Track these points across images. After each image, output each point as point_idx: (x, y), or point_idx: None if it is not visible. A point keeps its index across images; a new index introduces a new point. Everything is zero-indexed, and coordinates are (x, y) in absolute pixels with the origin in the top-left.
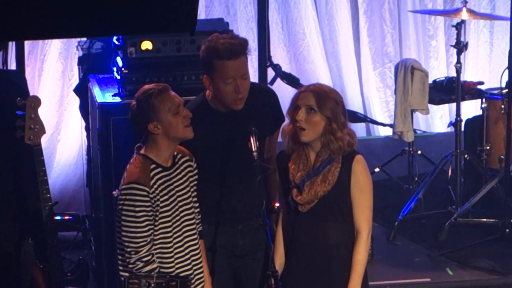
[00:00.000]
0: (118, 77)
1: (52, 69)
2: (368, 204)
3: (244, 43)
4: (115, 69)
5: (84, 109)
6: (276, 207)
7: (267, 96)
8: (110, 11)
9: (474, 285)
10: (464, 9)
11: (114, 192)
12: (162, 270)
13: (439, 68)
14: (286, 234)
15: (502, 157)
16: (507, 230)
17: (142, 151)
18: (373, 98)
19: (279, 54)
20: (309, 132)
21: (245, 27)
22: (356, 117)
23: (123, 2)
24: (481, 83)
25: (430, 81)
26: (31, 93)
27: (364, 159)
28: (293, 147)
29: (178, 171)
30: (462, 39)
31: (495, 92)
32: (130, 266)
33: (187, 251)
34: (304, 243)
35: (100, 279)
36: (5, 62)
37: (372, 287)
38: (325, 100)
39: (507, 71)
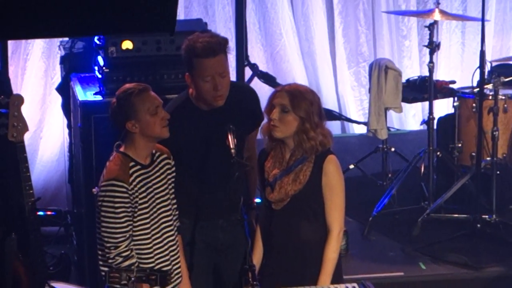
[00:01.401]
0: (100, 76)
1: (34, 68)
2: (339, 204)
3: (222, 41)
4: (96, 68)
5: (66, 107)
6: (254, 204)
7: (249, 95)
8: (91, 11)
9: (446, 279)
10: (437, 10)
11: (94, 190)
12: (141, 264)
13: (412, 67)
14: (264, 230)
15: (473, 154)
16: (478, 225)
17: (121, 149)
18: (348, 97)
19: (256, 54)
20: (281, 130)
21: (223, 27)
22: (331, 115)
23: (104, 3)
24: (453, 82)
25: (404, 80)
26: (14, 92)
27: (336, 159)
28: (271, 145)
29: (157, 169)
30: (434, 39)
31: (467, 91)
32: (110, 261)
33: (166, 246)
34: (279, 239)
35: (82, 273)
36: None
37: (347, 280)
38: (299, 101)
39: (478, 70)
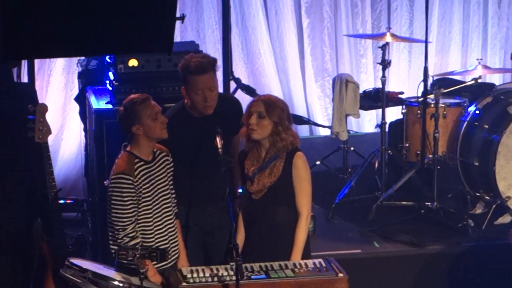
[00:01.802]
0: (110, 88)
1: (56, 82)
2: (307, 192)
3: (212, 61)
4: (107, 82)
5: (82, 114)
6: (237, 193)
7: (233, 105)
8: (103, 36)
9: (395, 255)
10: (388, 33)
11: (105, 182)
12: (144, 244)
13: (368, 81)
14: (245, 216)
15: (418, 152)
16: (422, 211)
17: (128, 148)
18: (315, 105)
19: (239, 70)
20: (259, 132)
21: (212, 48)
22: (301, 120)
23: (114, 29)
24: (402, 93)
25: (361, 91)
26: (40, 101)
27: (304, 156)
28: (249, 146)
29: (158, 164)
30: (386, 57)
31: (413, 100)
32: (119, 241)
33: (165, 229)
34: (258, 223)
35: (96, 251)
36: (19, 76)
37: (314, 256)
38: (272, 108)
39: (422, 83)
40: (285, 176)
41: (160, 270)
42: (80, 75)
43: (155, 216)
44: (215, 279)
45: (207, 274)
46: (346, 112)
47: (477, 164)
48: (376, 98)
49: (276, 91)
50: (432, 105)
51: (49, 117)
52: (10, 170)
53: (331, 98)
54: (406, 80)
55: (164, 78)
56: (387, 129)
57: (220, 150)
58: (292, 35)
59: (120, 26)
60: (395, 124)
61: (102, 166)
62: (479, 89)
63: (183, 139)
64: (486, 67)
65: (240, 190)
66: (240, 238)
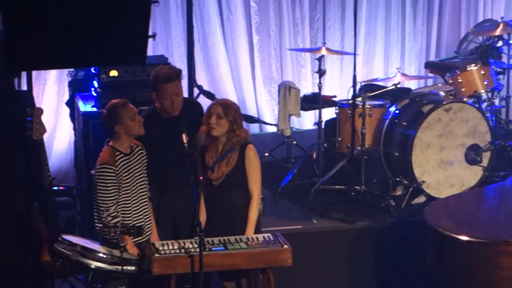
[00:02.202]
0: (95, 94)
1: (50, 90)
2: (257, 178)
3: (178, 71)
4: (93, 89)
5: (72, 116)
6: (200, 180)
7: (196, 107)
8: (89, 51)
9: (331, 230)
10: (323, 47)
11: (92, 171)
12: (124, 222)
13: (307, 86)
14: (206, 199)
15: (349, 145)
16: (352, 193)
17: (110, 143)
18: (263, 107)
19: (201, 78)
20: (217, 130)
21: (178, 60)
22: (253, 120)
23: (98, 45)
24: (335, 96)
25: (301, 95)
26: (37, 106)
27: (254, 148)
28: (208, 141)
29: (134, 156)
30: (322, 67)
31: (344, 102)
32: (103, 219)
33: (140, 209)
34: (218, 205)
35: (83, 229)
36: (19, 85)
37: (264, 231)
38: (228, 110)
39: (351, 88)
40: (239, 165)
41: (137, 244)
42: (70, 84)
43: (133, 199)
44: (182, 250)
45: (176, 247)
46: (289, 113)
47: (397, 154)
48: (314, 101)
49: (232, 96)
50: (360, 106)
51: (45, 118)
52: (13, 162)
53: (277, 101)
54: (338, 86)
55: (139, 86)
56: (323, 126)
57: (185, 144)
58: (244, 50)
59: (103, 43)
60: (329, 122)
61: (88, 158)
62: (398, 93)
63: (155, 136)
64: (404, 74)
65: (202, 178)
66: (202, 217)
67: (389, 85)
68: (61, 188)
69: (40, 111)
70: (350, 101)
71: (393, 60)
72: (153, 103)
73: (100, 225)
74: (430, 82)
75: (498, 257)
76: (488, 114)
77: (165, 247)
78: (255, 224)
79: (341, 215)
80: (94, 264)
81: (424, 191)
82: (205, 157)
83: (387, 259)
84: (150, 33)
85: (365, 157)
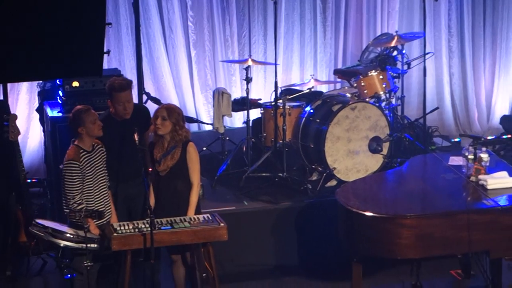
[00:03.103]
0: (60, 102)
1: (23, 98)
2: (196, 169)
3: (129, 82)
4: (58, 97)
5: (41, 120)
6: (149, 171)
7: (144, 111)
8: (53, 66)
9: (259, 210)
10: (250, 59)
11: (60, 166)
12: (87, 207)
13: (237, 92)
14: (155, 187)
15: (272, 139)
16: (276, 179)
17: (75, 143)
18: (201, 110)
19: (149, 87)
20: (163, 130)
21: (129, 72)
22: (192, 120)
23: (61, 60)
24: (260, 99)
25: (232, 99)
26: (12, 112)
27: (194, 145)
28: (156, 139)
29: (95, 153)
30: (249, 75)
31: (267, 104)
32: (70, 206)
33: (101, 197)
34: (165, 191)
35: (53, 214)
36: None
37: (203, 213)
38: (172, 113)
39: (273, 92)
40: (181, 159)
41: (99, 225)
42: (39, 93)
43: (95, 188)
44: (136, 230)
45: (131, 227)
46: (223, 114)
47: (312, 146)
48: (243, 104)
49: (174, 101)
50: (281, 107)
51: (19, 123)
52: None
53: (212, 104)
54: (262, 91)
55: (97, 94)
56: (251, 124)
57: (137, 142)
58: (184, 62)
59: (66, 59)
60: (256, 120)
61: (56, 155)
62: (312, 95)
63: (111, 135)
64: (317, 80)
65: (151, 169)
66: (152, 202)
67: (305, 89)
68: (33, 180)
69: (15, 116)
70: (273, 103)
71: (307, 68)
72: (108, 108)
73: (67, 210)
74: (338, 86)
75: (397, 229)
76: (387, 111)
77: (122, 228)
78: (195, 206)
79: (267, 198)
80: (63, 243)
81: (335, 176)
82: (153, 152)
83: (306, 233)
84: (105, 50)
85: (286, 149)
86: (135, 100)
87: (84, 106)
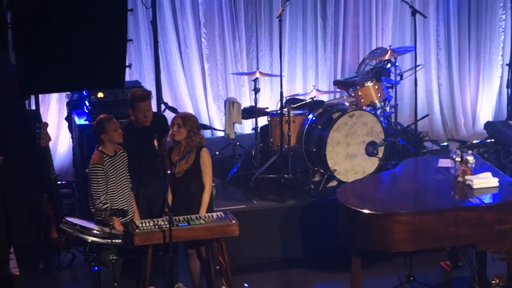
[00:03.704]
0: (87, 111)
1: (53, 108)
2: (209, 172)
3: (149, 93)
4: (85, 107)
5: (70, 128)
6: (168, 173)
7: (162, 119)
8: (81, 79)
9: (267, 208)
10: (258, 71)
11: (86, 170)
12: (112, 207)
13: (246, 101)
14: (172, 188)
15: (278, 144)
16: (282, 180)
17: (99, 148)
18: (214, 117)
19: (166, 97)
20: (179, 136)
21: (149, 84)
22: (206, 127)
23: (90, 74)
24: (267, 108)
25: (242, 107)
26: (43, 121)
27: (207, 150)
28: (173, 144)
29: (118, 157)
30: (257, 86)
31: (274, 112)
32: (96, 205)
33: (125, 197)
34: (180, 192)
35: (81, 213)
36: (29, 105)
37: (216, 211)
38: (187, 121)
39: (279, 102)
40: (196, 163)
41: (123, 223)
42: (68, 104)
43: (118, 189)
44: (156, 227)
45: (151, 224)
46: (233, 121)
47: (315, 150)
48: (251, 112)
49: (189, 110)
50: (286, 115)
51: (49, 130)
52: (28, 164)
53: (223, 112)
54: (269, 100)
55: (120, 104)
56: (259, 131)
57: (156, 147)
58: (198, 75)
59: (91, 71)
60: (263, 127)
61: (83, 160)
62: (314, 104)
63: (132, 141)
64: (318, 90)
65: (169, 172)
66: (170, 201)
67: (307, 98)
68: (63, 182)
69: (46, 125)
70: (279, 111)
71: (310, 80)
72: (129, 116)
73: (94, 209)
74: (337, 95)
75: (392, 225)
76: (382, 118)
77: (143, 225)
78: (207, 205)
79: (274, 197)
80: (91, 238)
81: (336, 177)
82: (171, 156)
83: (309, 229)
84: (127, 64)
85: (291, 153)
86: (154, 109)
87: (107, 115)
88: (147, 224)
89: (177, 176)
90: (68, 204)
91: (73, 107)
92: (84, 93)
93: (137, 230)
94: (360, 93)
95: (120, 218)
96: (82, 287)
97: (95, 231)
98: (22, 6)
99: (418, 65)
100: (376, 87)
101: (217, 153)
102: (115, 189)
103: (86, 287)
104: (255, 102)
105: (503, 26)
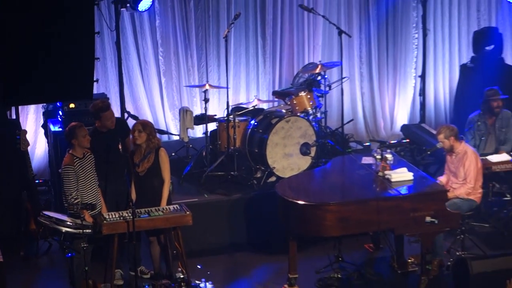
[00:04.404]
0: (60, 120)
1: (31, 117)
2: (167, 169)
3: (108, 102)
4: (59, 116)
5: (46, 134)
6: (132, 172)
7: (123, 123)
8: (55, 92)
9: (216, 201)
10: (207, 84)
11: (59, 170)
12: (82, 201)
13: (197, 110)
14: (135, 184)
15: (225, 146)
16: (229, 176)
17: (70, 152)
18: (170, 124)
19: (129, 106)
20: (139, 140)
21: (114, 96)
22: (163, 132)
23: (62, 88)
24: (215, 115)
25: (194, 115)
26: (22, 128)
27: (165, 150)
28: (135, 147)
29: (86, 159)
30: (207, 96)
31: (221, 118)
32: (68, 200)
33: (93, 193)
34: (143, 188)
35: (56, 207)
36: (10, 115)
37: (173, 204)
38: (145, 126)
39: (226, 110)
40: (156, 161)
41: (92, 215)
42: (44, 113)
43: (87, 186)
44: (121, 218)
45: (117, 216)
46: (187, 127)
47: (256, 151)
48: (202, 119)
49: (149, 117)
50: (232, 121)
51: (28, 136)
52: (9, 165)
53: (178, 119)
54: (217, 108)
55: (88, 113)
56: (209, 135)
57: (120, 149)
58: (156, 87)
59: (63, 85)
60: (213, 132)
61: (57, 161)
62: (256, 111)
63: (99, 145)
64: (259, 99)
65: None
66: (133, 196)
67: (250, 106)
68: (40, 181)
69: (25, 132)
70: (225, 118)
71: (252, 91)
72: (94, 124)
73: (67, 204)
74: (276, 104)
75: (323, 213)
76: (314, 123)
77: (110, 216)
78: (167, 199)
79: (222, 191)
80: (65, 229)
81: (275, 174)
82: (133, 157)
83: (253, 218)
84: (94, 79)
85: (236, 153)
86: (118, 116)
87: (77, 123)
88: (113, 216)
89: (140, 174)
90: (45, 199)
91: (49, 116)
92: (58, 104)
93: (105, 221)
94: (295, 102)
95: (89, 211)
96: (58, 271)
97: (68, 223)
98: None
99: (344, 77)
100: (309, 96)
101: (173, 154)
102: (84, 186)
103: (61, 271)
104: (205, 110)
105: (416, 43)
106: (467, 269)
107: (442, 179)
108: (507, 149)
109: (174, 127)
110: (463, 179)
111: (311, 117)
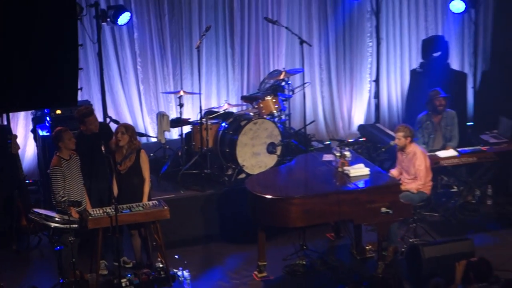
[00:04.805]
0: (48, 125)
1: (21, 123)
2: (147, 168)
3: (92, 108)
4: (46, 122)
5: (35, 139)
6: (114, 171)
7: (107, 127)
8: (43, 100)
9: (191, 196)
10: (182, 90)
11: (48, 171)
12: (69, 199)
13: (173, 114)
14: (118, 182)
15: (199, 147)
16: (203, 174)
17: (57, 154)
18: (148, 127)
19: (111, 112)
20: (122, 141)
21: (97, 102)
22: (142, 134)
23: (49, 96)
24: (189, 119)
25: (170, 119)
26: (13, 133)
27: (144, 151)
28: (117, 148)
29: (73, 160)
30: (182, 102)
31: (195, 121)
32: (56, 198)
33: (79, 191)
34: (125, 185)
35: (45, 204)
36: (2, 121)
37: (153, 199)
38: (128, 129)
39: (199, 114)
40: (136, 161)
41: (78, 211)
42: (33, 119)
43: (73, 185)
44: (105, 214)
45: (101, 212)
46: (164, 129)
47: (227, 150)
48: (178, 122)
49: (129, 121)
50: (204, 124)
51: (19, 141)
52: (2, 167)
53: (156, 123)
54: (191, 112)
55: (73, 119)
56: (184, 136)
57: (103, 151)
58: (135, 94)
59: (50, 93)
60: (188, 133)
61: (46, 163)
62: (226, 115)
63: (84, 147)
64: (229, 104)
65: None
66: (116, 192)
67: (221, 110)
68: (30, 181)
69: (16, 136)
70: (199, 121)
71: (222, 96)
72: (79, 127)
73: (55, 202)
74: (244, 107)
75: (288, 206)
76: (279, 125)
77: (95, 212)
78: (147, 195)
79: (197, 187)
80: (53, 224)
81: (244, 171)
82: (115, 157)
83: (225, 211)
84: (79, 87)
85: (209, 153)
86: (101, 120)
87: (63, 128)
88: (98, 212)
89: (122, 172)
90: (35, 198)
91: (37, 122)
92: (46, 111)
93: (90, 217)
94: (261, 105)
95: (76, 208)
96: (47, 263)
97: (56, 219)
98: None
99: (306, 83)
100: (274, 100)
101: (151, 155)
102: (71, 185)
103: (50, 263)
104: (180, 114)
105: (370, 51)
106: (419, 254)
107: (393, 172)
108: (453, 145)
109: (152, 130)
110: (414, 176)
111: (276, 119)
